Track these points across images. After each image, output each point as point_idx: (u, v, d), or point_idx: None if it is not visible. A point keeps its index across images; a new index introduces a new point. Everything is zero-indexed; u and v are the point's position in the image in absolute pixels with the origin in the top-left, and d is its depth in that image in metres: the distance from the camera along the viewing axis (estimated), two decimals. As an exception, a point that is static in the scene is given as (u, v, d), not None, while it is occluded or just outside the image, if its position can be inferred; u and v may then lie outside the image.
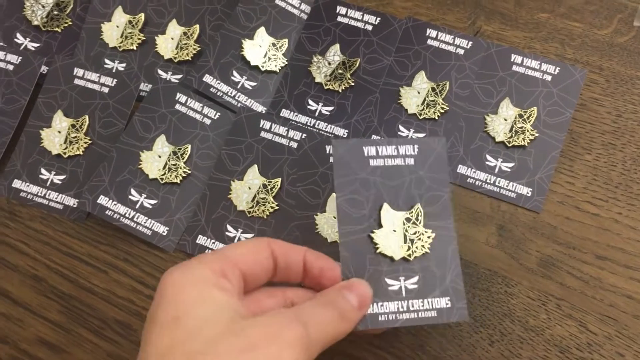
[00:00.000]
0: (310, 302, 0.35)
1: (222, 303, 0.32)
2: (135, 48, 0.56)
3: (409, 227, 0.39)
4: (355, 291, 0.36)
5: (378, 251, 0.38)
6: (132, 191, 0.50)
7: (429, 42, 0.54)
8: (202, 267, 0.33)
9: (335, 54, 0.54)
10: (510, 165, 0.49)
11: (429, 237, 0.39)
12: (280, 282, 0.38)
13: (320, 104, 0.53)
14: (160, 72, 0.55)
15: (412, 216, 0.39)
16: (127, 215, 0.49)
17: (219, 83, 0.53)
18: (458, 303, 0.38)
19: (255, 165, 0.50)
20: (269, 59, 0.54)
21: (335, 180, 0.39)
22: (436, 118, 0.51)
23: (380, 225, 0.39)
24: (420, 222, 0.39)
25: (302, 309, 0.34)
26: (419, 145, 0.40)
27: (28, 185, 0.52)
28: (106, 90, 0.53)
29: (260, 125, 0.51)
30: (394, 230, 0.39)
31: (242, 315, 0.32)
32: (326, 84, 0.53)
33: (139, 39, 0.56)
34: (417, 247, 0.39)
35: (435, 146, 0.40)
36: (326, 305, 0.34)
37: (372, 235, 0.39)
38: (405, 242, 0.39)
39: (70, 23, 0.58)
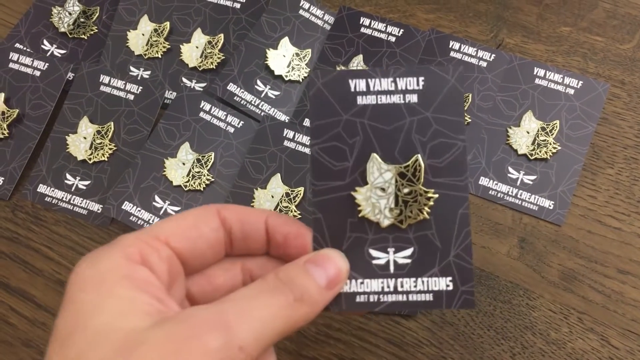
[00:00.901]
0: (249, 288, 0.28)
1: (127, 305, 0.25)
2: (160, 56, 0.57)
3: (402, 184, 0.31)
4: (324, 265, 0.29)
5: (361, 214, 0.31)
6: (156, 198, 0.50)
7: (452, 54, 0.54)
8: (113, 253, 0.27)
9: (358, 64, 0.55)
10: (533, 178, 0.50)
11: (429, 198, 0.31)
12: (241, 255, 0.33)
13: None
14: (184, 80, 0.56)
15: (407, 171, 0.31)
16: (150, 221, 0.50)
17: (242, 92, 0.54)
18: (463, 285, 0.30)
19: (279, 174, 0.50)
20: (293, 68, 0.55)
21: (310, 122, 0.31)
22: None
23: (366, 182, 0.31)
24: (418, 179, 0.31)
25: (231, 302, 0.27)
26: (425, 76, 0.31)
27: (53, 190, 0.52)
28: (131, 97, 0.54)
29: (284, 134, 0.51)
30: (382, 189, 0.31)
31: (153, 317, 0.25)
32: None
33: (164, 47, 0.57)
34: (411, 211, 0.31)
35: (447, 77, 0.31)
36: (275, 289, 0.28)
37: (354, 194, 0.31)
38: (396, 204, 0.31)
39: (97, 30, 0.59)
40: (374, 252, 0.31)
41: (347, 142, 0.31)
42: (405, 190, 0.31)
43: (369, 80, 0.31)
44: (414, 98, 0.31)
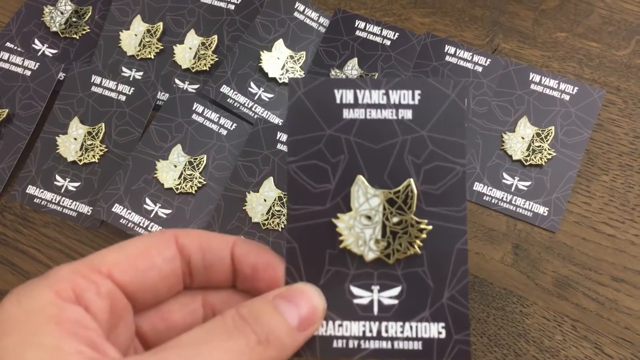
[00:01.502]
0: (202, 329, 0.24)
1: (50, 355, 0.21)
2: (152, 57, 0.56)
3: (391, 213, 0.27)
4: (296, 301, 0.25)
5: (342, 245, 0.27)
6: (147, 200, 0.50)
7: (447, 58, 0.54)
8: (42, 290, 0.23)
9: (353, 68, 0.54)
10: (527, 184, 0.49)
11: (421, 230, 0.27)
12: (203, 288, 0.29)
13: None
14: (177, 81, 0.55)
15: (397, 197, 0.27)
16: (141, 224, 0.49)
17: (236, 94, 0.53)
18: (458, 334, 0.26)
19: (271, 177, 0.50)
20: (287, 71, 0.55)
21: (288, 136, 0.28)
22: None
23: (349, 208, 0.27)
24: (409, 207, 0.27)
25: (175, 349, 0.22)
26: (421, 90, 0.27)
27: (42, 192, 0.52)
28: (123, 98, 0.53)
29: (277, 137, 0.51)
30: (368, 217, 0.27)
31: None
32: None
33: (157, 48, 0.56)
34: (400, 245, 0.27)
35: (447, 92, 0.27)
36: (234, 329, 0.23)
37: (335, 221, 0.27)
38: (384, 235, 0.27)
39: (89, 30, 0.58)
40: (355, 290, 0.27)
41: (330, 161, 0.27)
42: (395, 220, 0.27)
43: (358, 91, 0.28)
44: (408, 114, 0.27)
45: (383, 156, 0.27)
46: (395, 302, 0.27)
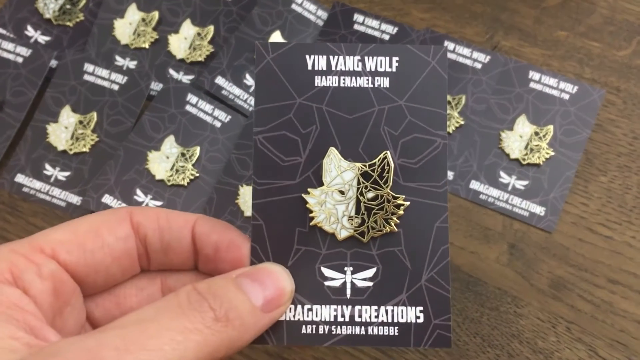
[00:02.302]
0: (150, 307, 0.21)
1: None
2: (147, 46, 0.55)
3: (366, 187, 0.26)
4: (262, 280, 0.23)
5: (313, 223, 0.25)
6: (138, 191, 0.49)
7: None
8: None
9: (350, 62, 0.53)
10: (524, 183, 0.49)
11: (398, 206, 0.25)
12: (162, 270, 0.27)
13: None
14: (171, 71, 0.54)
15: (373, 171, 0.26)
16: (131, 215, 0.48)
17: (231, 86, 0.52)
18: (437, 318, 0.25)
19: (265, 171, 0.49)
20: (283, 63, 0.54)
21: (255, 105, 0.26)
22: (450, 132, 0.50)
23: (321, 182, 0.26)
24: (386, 182, 0.25)
25: (117, 330, 0.20)
26: (400, 56, 0.26)
27: (31, 181, 0.51)
28: (116, 87, 0.52)
29: (272, 131, 0.50)
30: (341, 192, 0.26)
31: (18, 354, 0.19)
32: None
33: (152, 37, 0.55)
34: (376, 222, 0.25)
35: (427, 59, 0.26)
36: (188, 306, 0.21)
37: (306, 196, 0.25)
38: (358, 211, 0.26)
39: (83, 18, 0.57)
40: (327, 271, 0.25)
41: (300, 132, 0.26)
42: (369, 195, 0.26)
43: (331, 57, 0.26)
44: (385, 82, 0.26)
45: (358, 127, 0.26)
46: (370, 284, 0.25)
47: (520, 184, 0.49)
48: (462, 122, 0.50)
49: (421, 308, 0.25)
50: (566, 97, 0.50)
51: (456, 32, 0.55)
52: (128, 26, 0.55)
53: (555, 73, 0.52)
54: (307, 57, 0.26)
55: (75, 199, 0.50)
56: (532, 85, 0.51)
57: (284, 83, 0.26)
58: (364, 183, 0.25)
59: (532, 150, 0.49)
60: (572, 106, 0.50)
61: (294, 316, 0.25)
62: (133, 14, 0.56)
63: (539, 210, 0.48)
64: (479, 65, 0.52)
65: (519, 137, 0.50)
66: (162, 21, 0.56)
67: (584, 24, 0.55)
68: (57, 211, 0.50)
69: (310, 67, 0.26)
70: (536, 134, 0.49)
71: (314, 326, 0.25)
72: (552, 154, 0.49)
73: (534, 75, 0.51)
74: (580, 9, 0.56)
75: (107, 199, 0.48)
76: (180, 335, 0.20)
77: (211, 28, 0.55)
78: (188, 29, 0.55)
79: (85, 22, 0.57)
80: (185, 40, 0.55)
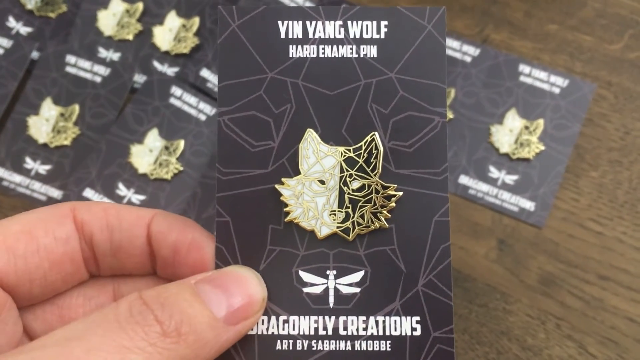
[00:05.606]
0: (82, 321, 0.18)
1: None
2: (131, 38, 0.54)
3: (350, 176, 0.22)
4: (227, 287, 0.19)
5: (288, 218, 0.22)
6: (120, 185, 0.48)
7: (436, 47, 0.52)
8: None
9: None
10: (514, 178, 0.48)
11: (389, 197, 0.21)
12: (114, 275, 0.23)
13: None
14: (156, 64, 0.53)
15: (358, 156, 0.22)
16: (113, 210, 0.47)
17: (216, 78, 0.51)
18: (437, 330, 0.21)
19: (250, 165, 0.48)
20: (270, 56, 0.53)
21: (219, 81, 0.22)
22: (439, 126, 0.50)
23: (297, 171, 0.22)
24: (374, 169, 0.22)
25: (36, 352, 0.16)
26: (389, 20, 0.22)
27: (11, 174, 0.49)
28: (99, 79, 0.51)
29: (257, 124, 0.49)
30: (321, 182, 0.22)
31: None
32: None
33: (136, 28, 0.54)
34: (362, 217, 0.21)
35: (422, 23, 0.22)
36: (128, 318, 0.17)
37: (280, 188, 0.22)
38: (341, 205, 0.22)
39: (66, 9, 0.56)
40: (306, 276, 0.21)
41: (273, 111, 0.22)
42: (355, 185, 0.22)
43: (308, 23, 0.22)
44: (372, 51, 0.22)
45: (340, 105, 0.22)
46: (357, 290, 0.21)
47: (510, 179, 0.48)
48: (451, 116, 0.49)
49: (418, 318, 0.21)
50: (557, 91, 0.50)
51: (446, 25, 0.54)
52: (112, 17, 0.54)
53: (546, 67, 0.51)
54: (280, 23, 0.22)
55: (56, 193, 0.49)
56: (522, 79, 0.50)
57: (253, 54, 0.22)
58: (348, 171, 0.22)
59: (522, 144, 0.48)
60: (562, 100, 0.49)
61: (267, 329, 0.21)
62: (117, 5, 0.55)
63: (529, 205, 0.47)
64: (468, 59, 0.51)
65: (508, 131, 0.49)
66: (146, 12, 0.55)
67: (575, 17, 0.54)
68: (38, 205, 0.49)
69: (283, 35, 0.22)
70: (526, 128, 0.49)
71: (290, 341, 0.21)
72: (543, 148, 0.48)
73: (524, 68, 0.51)
74: (571, 2, 0.55)
75: (88, 192, 0.47)
76: (114, 356, 0.16)
77: (196, 20, 0.54)
78: (173, 20, 0.54)
79: (68, 14, 0.56)
80: (170, 32, 0.54)
